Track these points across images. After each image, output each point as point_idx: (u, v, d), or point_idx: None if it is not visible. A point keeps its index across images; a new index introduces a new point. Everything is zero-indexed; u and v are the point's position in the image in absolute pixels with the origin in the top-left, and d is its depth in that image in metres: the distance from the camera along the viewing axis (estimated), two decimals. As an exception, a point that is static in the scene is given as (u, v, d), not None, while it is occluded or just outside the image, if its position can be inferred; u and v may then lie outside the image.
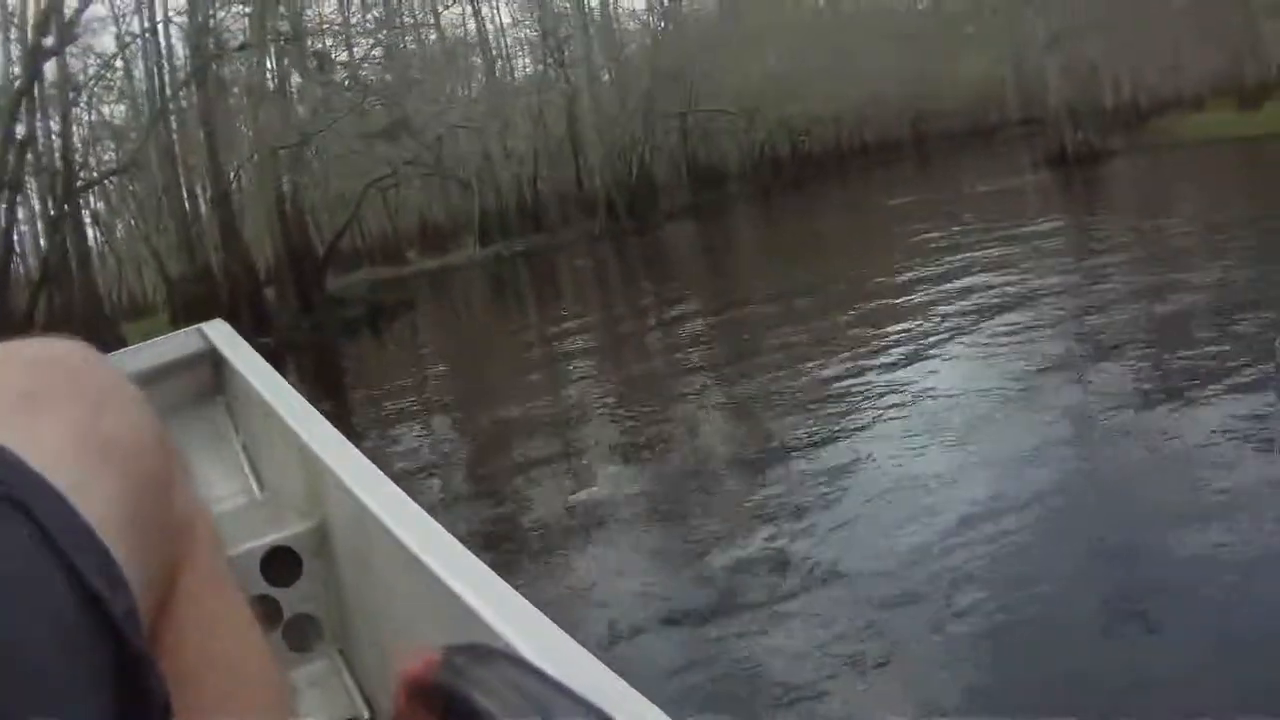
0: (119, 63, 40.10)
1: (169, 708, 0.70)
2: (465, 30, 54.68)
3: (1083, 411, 9.26)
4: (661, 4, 61.56)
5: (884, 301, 16.26)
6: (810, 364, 12.42)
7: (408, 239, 51.62)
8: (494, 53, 55.96)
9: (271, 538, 2.17)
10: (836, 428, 9.72)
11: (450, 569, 1.39)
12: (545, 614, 1.22)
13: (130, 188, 42.47)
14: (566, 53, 52.27)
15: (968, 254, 19.49)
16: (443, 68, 47.80)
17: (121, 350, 3.29)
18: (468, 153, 47.11)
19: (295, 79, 38.78)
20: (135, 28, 38.48)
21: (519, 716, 0.78)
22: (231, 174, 37.33)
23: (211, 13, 34.98)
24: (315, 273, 33.31)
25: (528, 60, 57.85)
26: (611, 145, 51.28)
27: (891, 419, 9.70)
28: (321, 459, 2.02)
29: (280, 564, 2.16)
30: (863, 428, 9.69)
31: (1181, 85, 58.15)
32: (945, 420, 9.38)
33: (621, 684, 1.05)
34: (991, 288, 15.54)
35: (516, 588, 1.32)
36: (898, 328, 13.82)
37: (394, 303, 31.91)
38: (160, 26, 36.82)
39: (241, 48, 34.97)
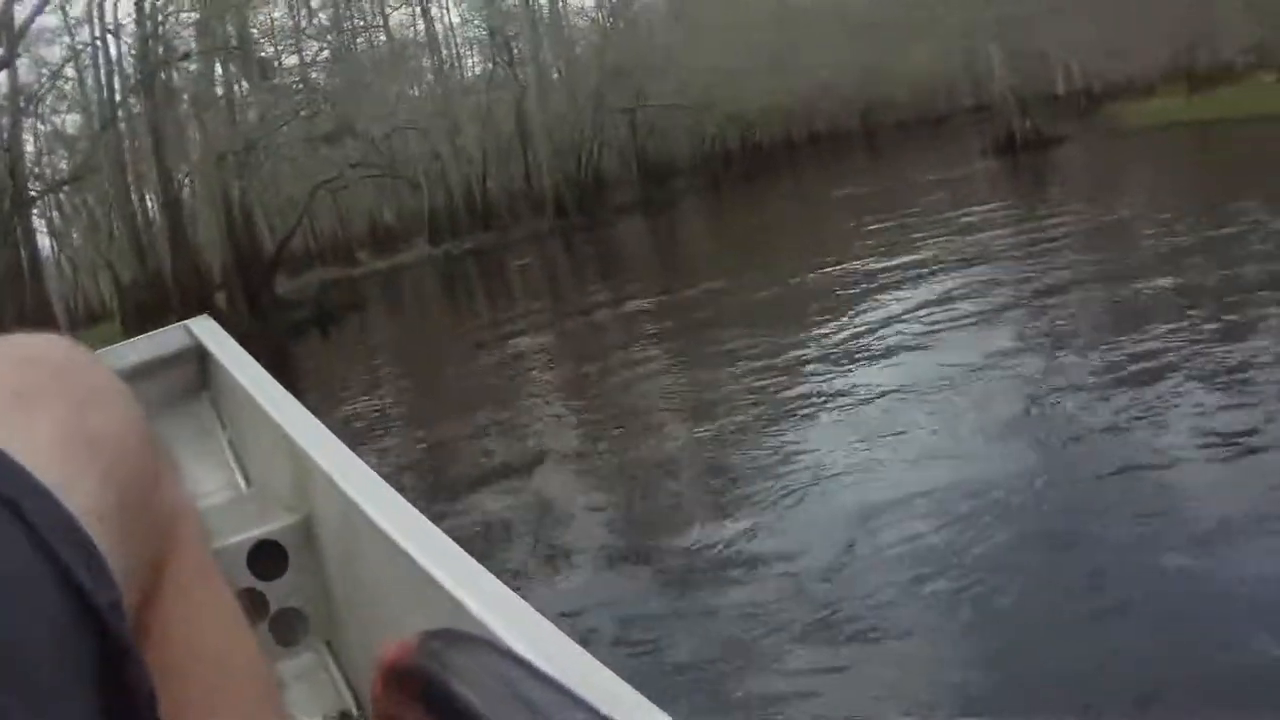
0: (72, 72, 40.35)
1: (155, 701, 0.72)
2: (415, 31, 54.93)
3: (1016, 401, 9.35)
4: (610, 0, 61.93)
5: (819, 297, 16.60)
6: (751, 363, 12.50)
7: (359, 240, 51.94)
8: (444, 53, 56.15)
9: (258, 531, 2.19)
10: (776, 424, 9.97)
11: (436, 560, 1.41)
12: (529, 603, 1.25)
13: (81, 197, 42.69)
14: (515, 51, 52.58)
15: (904, 244, 20.04)
16: (391, 69, 47.86)
17: (108, 347, 3.29)
18: (418, 153, 47.44)
19: (244, 85, 39.14)
20: (87, 37, 38.77)
21: (495, 699, 0.82)
22: (182, 180, 37.70)
23: (162, 20, 35.37)
24: (264, 276, 33.77)
25: (477, 59, 58.16)
26: (560, 142, 51.71)
27: (821, 414, 9.97)
28: (307, 453, 2.06)
29: (266, 558, 2.18)
30: (800, 419, 10.02)
31: (1133, 71, 58.53)
32: (869, 415, 9.59)
33: (603, 670, 1.07)
34: (924, 279, 15.95)
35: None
36: (832, 323, 14.08)
37: (343, 304, 32.32)
38: (110, 35, 37.06)
39: (185, 57, 35.24)
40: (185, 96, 37.35)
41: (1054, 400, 9.15)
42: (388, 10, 52.81)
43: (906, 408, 9.61)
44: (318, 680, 2.11)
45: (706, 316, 17.00)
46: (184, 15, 36.61)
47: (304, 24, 44.97)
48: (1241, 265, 13.13)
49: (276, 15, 45.51)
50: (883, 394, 10.20)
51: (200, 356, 3.27)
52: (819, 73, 66.21)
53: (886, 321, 13.40)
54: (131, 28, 36.08)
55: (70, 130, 42.33)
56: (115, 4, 37.81)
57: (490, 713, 0.80)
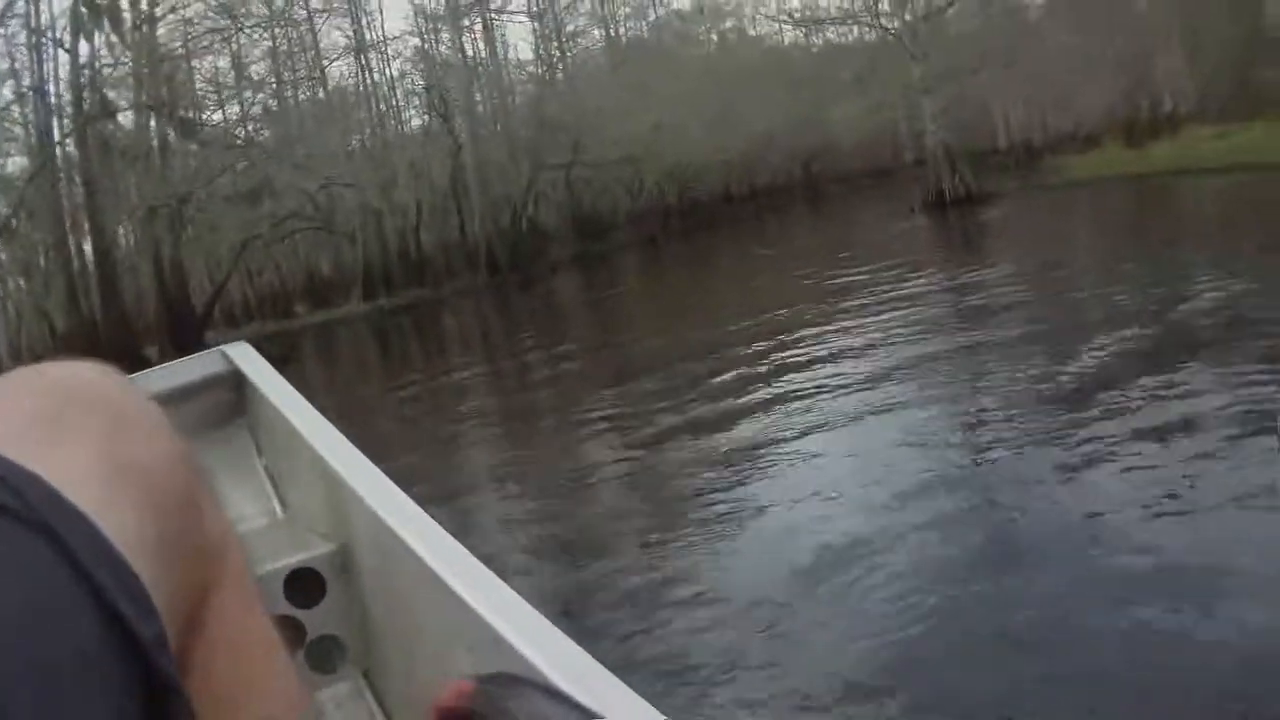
0: (19, 115, 40.82)
1: None
2: (358, 82, 55.72)
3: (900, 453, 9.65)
4: (549, 55, 63.10)
5: (735, 353, 16.84)
6: (673, 439, 12.12)
7: (298, 292, 51.96)
8: (382, 105, 56.89)
9: (295, 559, 2.20)
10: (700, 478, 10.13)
11: (474, 592, 1.41)
12: (572, 639, 1.24)
13: (19, 244, 43.08)
14: (451, 104, 53.08)
15: (812, 306, 20.57)
16: (327, 122, 48.98)
17: (144, 372, 3.23)
18: (355, 205, 47.82)
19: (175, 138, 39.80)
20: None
21: None
22: (120, 231, 38.31)
23: (95, 72, 36.08)
24: (195, 329, 34.32)
25: (416, 112, 58.61)
26: (495, 196, 52.24)
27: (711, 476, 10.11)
28: (345, 480, 2.06)
29: (303, 585, 2.19)
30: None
31: (1075, 123, 58.91)
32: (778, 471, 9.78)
33: (650, 710, 1.06)
34: (822, 342, 16.30)
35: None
36: (743, 381, 14.38)
37: (274, 357, 32.73)
38: (50, 85, 37.72)
39: (111, 114, 35.89)
40: (118, 150, 37.96)
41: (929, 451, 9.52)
42: (325, 63, 53.46)
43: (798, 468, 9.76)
44: (354, 710, 2.13)
45: (619, 370, 17.61)
46: (118, 69, 37.30)
47: (243, 75, 45.76)
48: (1132, 325, 13.50)
49: (223, 65, 46.67)
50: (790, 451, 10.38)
51: (236, 382, 3.24)
52: (759, 126, 66.59)
53: (800, 383, 13.68)
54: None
55: (13, 171, 42.79)
56: (54, 53, 38.33)
57: None
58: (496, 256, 49.31)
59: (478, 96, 56.50)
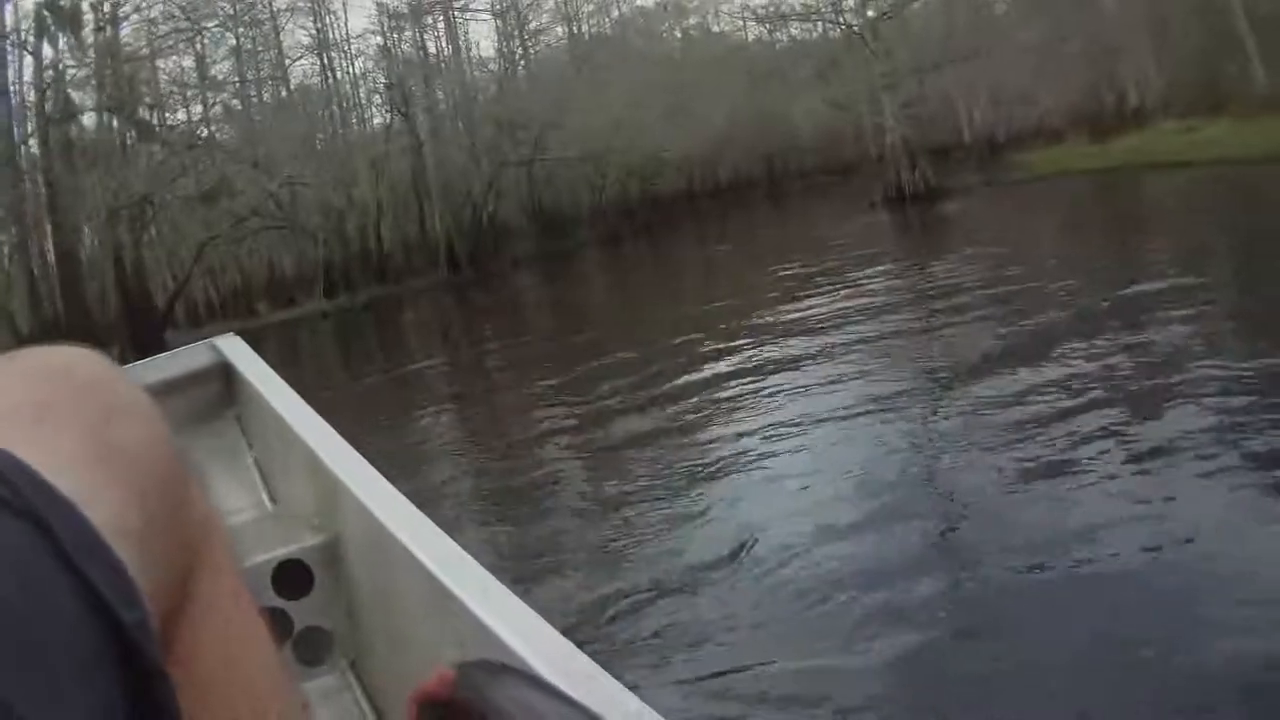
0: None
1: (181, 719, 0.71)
2: (321, 81, 55.95)
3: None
4: (511, 51, 63.62)
5: (681, 353, 16.98)
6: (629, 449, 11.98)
7: (261, 291, 51.69)
8: (346, 103, 57.07)
9: (283, 550, 2.20)
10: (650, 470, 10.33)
11: (462, 583, 1.41)
12: (555, 628, 1.24)
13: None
14: (413, 102, 53.25)
15: (760, 301, 21.52)
16: (289, 121, 49.28)
17: (134, 364, 3.25)
18: (317, 204, 48.02)
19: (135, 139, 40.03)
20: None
21: None
22: (85, 231, 38.57)
23: (61, 70, 36.36)
24: (155, 329, 34.67)
25: (375, 111, 58.79)
26: (456, 194, 52.58)
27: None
28: (334, 472, 2.06)
29: (291, 577, 2.19)
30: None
31: (1040, 118, 59.91)
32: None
33: (635, 701, 1.06)
34: (763, 333, 17.03)
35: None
36: (683, 376, 14.67)
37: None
38: (14, 87, 37.93)
39: (71, 116, 36.12)
40: (79, 151, 38.20)
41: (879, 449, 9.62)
42: (288, 61, 53.88)
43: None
44: (341, 701, 2.12)
45: (568, 363, 18.05)
46: (81, 71, 37.60)
47: (205, 75, 45.98)
48: (1071, 324, 13.73)
49: (188, 64, 47.17)
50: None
51: (226, 373, 3.28)
52: (722, 123, 67.41)
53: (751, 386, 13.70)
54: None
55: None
56: (19, 56, 38.60)
57: None
58: (457, 253, 49.59)
59: (440, 94, 56.76)
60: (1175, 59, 51.24)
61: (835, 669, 5.81)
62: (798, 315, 18.04)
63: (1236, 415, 8.69)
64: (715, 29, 79.58)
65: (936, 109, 63.54)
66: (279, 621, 2.11)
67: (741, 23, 77.10)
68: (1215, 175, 31.31)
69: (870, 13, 52.11)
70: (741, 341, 16.57)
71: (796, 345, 15.27)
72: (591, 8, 73.16)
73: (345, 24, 64.49)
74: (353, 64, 57.69)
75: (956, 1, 64.61)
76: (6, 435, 0.73)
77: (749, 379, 13.79)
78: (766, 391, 12.89)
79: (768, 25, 71.06)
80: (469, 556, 1.50)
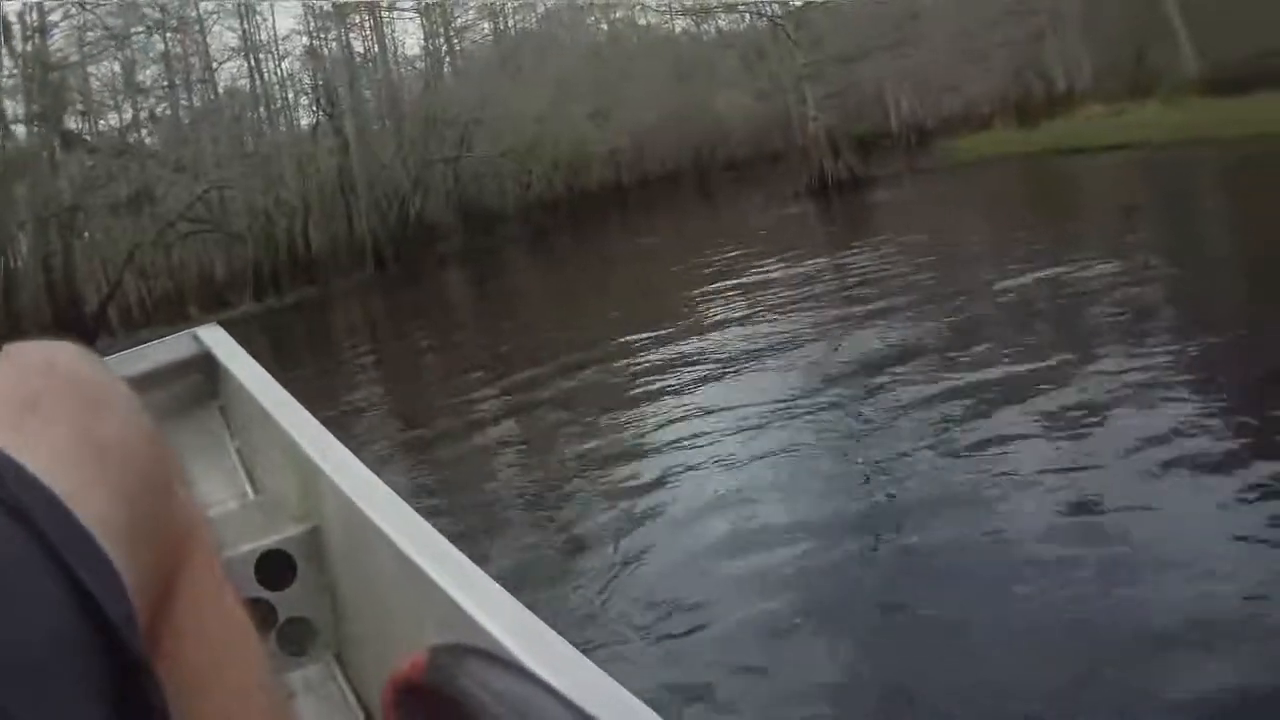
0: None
1: (166, 713, 0.72)
2: (249, 83, 55.84)
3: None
4: (436, 49, 63.78)
5: (584, 350, 17.28)
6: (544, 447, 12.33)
7: (192, 294, 50.37)
8: (275, 105, 57.05)
9: (266, 541, 2.20)
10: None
11: (444, 572, 1.41)
12: (538, 615, 1.25)
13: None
14: (339, 102, 53.42)
15: (675, 291, 22.52)
16: (217, 125, 49.76)
17: (116, 355, 3.19)
18: (246, 206, 48.31)
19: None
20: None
21: (505, 715, 0.85)
22: (19, 239, 39.07)
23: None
24: (86, 338, 35.05)
25: (303, 112, 58.77)
26: (382, 193, 52.86)
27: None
28: (315, 462, 2.06)
29: (274, 567, 2.19)
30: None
31: (968, 105, 60.52)
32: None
33: (612, 684, 1.06)
34: (672, 323, 17.80)
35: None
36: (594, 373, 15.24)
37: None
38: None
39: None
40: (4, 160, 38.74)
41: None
42: (214, 64, 53.80)
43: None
44: (325, 691, 2.12)
45: (482, 357, 19.00)
46: (8, 79, 38.18)
47: (132, 81, 46.46)
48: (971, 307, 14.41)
49: (117, 70, 47.22)
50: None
51: (208, 364, 3.29)
52: (649, 115, 67.73)
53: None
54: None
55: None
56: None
57: None
58: (383, 252, 50.08)
59: (366, 94, 57.21)
60: (1105, 43, 51.78)
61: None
62: (710, 309, 18.81)
63: (1144, 390, 9.14)
64: (642, 22, 79.58)
65: (865, 97, 64.82)
66: (263, 612, 2.13)
67: (669, 15, 77.22)
68: (1138, 158, 32.07)
69: (794, 3, 53.32)
70: (652, 334, 17.20)
71: (707, 339, 15.89)
72: (518, 3, 73.36)
73: (273, 25, 64.38)
74: (280, 65, 57.74)
75: None
76: None
77: (658, 366, 14.52)
78: (673, 382, 13.48)
79: (695, 17, 72.29)
80: (451, 545, 1.52)
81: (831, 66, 53.20)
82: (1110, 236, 19.02)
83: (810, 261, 22.57)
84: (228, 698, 0.92)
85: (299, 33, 56.59)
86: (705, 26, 76.96)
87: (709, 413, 11.43)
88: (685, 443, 10.41)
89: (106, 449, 0.79)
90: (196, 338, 3.35)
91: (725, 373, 13.38)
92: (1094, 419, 8.78)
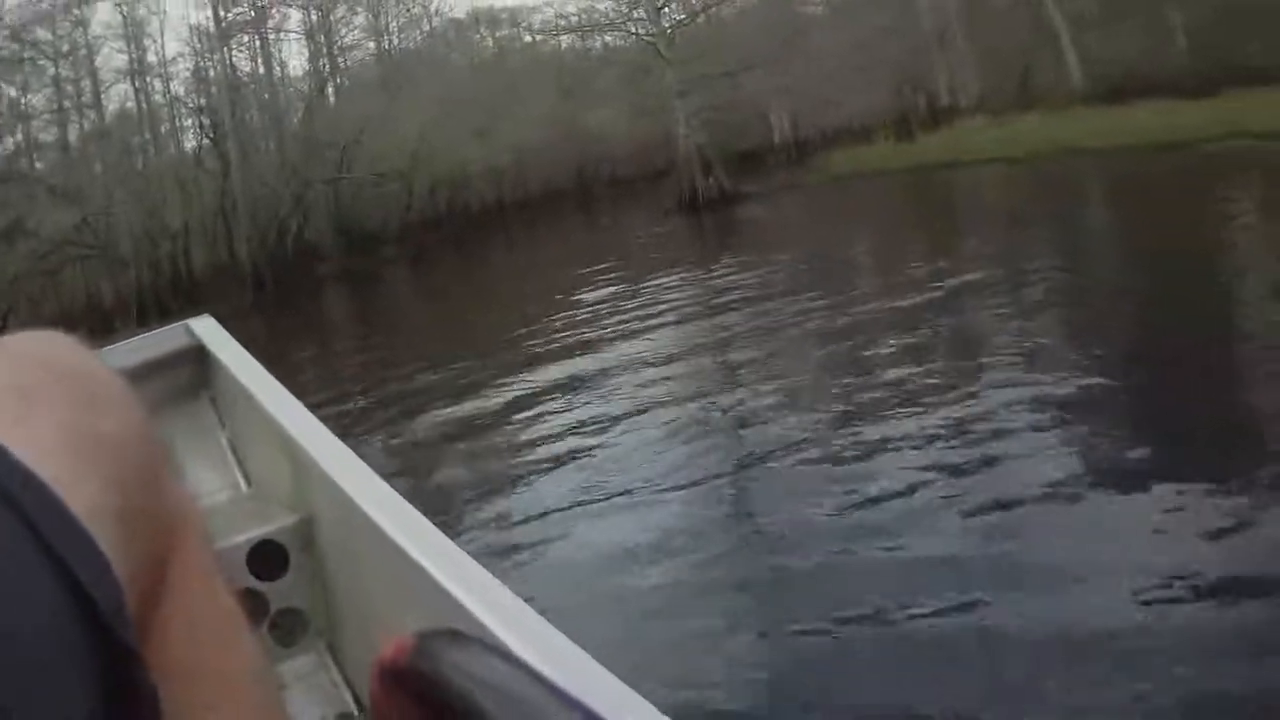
0: None
1: (158, 703, 0.72)
2: (137, 106, 56.09)
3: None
4: (319, 70, 64.19)
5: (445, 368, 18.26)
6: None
7: (79, 321, 47.95)
8: (164, 127, 57.38)
9: (257, 532, 2.22)
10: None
11: (435, 561, 1.42)
12: (528, 604, 1.26)
13: None
14: (222, 125, 53.78)
15: (537, 306, 24.05)
16: (104, 149, 50.43)
17: (108, 347, 3.04)
18: (133, 230, 49.23)
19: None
20: None
21: (491, 699, 0.85)
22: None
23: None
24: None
25: (188, 135, 59.31)
26: (264, 216, 53.49)
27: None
28: (307, 453, 2.07)
29: (266, 558, 2.21)
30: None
31: (851, 119, 61.42)
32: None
33: (600, 669, 1.08)
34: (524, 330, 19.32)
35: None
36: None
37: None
38: None
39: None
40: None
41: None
42: (103, 88, 54.11)
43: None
44: (317, 681, 2.14)
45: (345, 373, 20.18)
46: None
47: (17, 106, 47.43)
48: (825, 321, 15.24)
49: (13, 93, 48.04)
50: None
51: (200, 356, 3.28)
52: (532, 133, 68.13)
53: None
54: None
55: None
56: None
57: (486, 712, 0.85)
58: (263, 275, 50.64)
59: (250, 115, 57.55)
60: (993, 57, 53.21)
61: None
62: (569, 329, 19.76)
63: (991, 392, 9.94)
64: (527, 39, 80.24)
65: (748, 115, 65.41)
66: (254, 603, 2.16)
67: (554, 33, 76.09)
68: (1015, 170, 34.09)
69: (666, 22, 54.28)
70: (514, 352, 18.30)
71: (563, 359, 16.70)
72: (401, 22, 73.85)
73: (162, 48, 64.36)
74: (168, 87, 57.90)
75: (770, 5, 65.94)
76: None
77: (509, 382, 15.56)
78: (524, 395, 14.41)
79: (577, 35, 72.15)
80: (442, 534, 1.53)
81: (717, 82, 54.36)
82: (963, 248, 20.12)
83: (658, 280, 23.74)
84: (219, 687, 0.95)
85: (184, 55, 57.13)
86: (590, 43, 77.76)
87: (552, 421, 12.48)
88: (530, 450, 11.37)
89: (98, 439, 0.81)
90: (188, 329, 3.40)
91: (564, 392, 14.21)
92: (942, 429, 9.32)
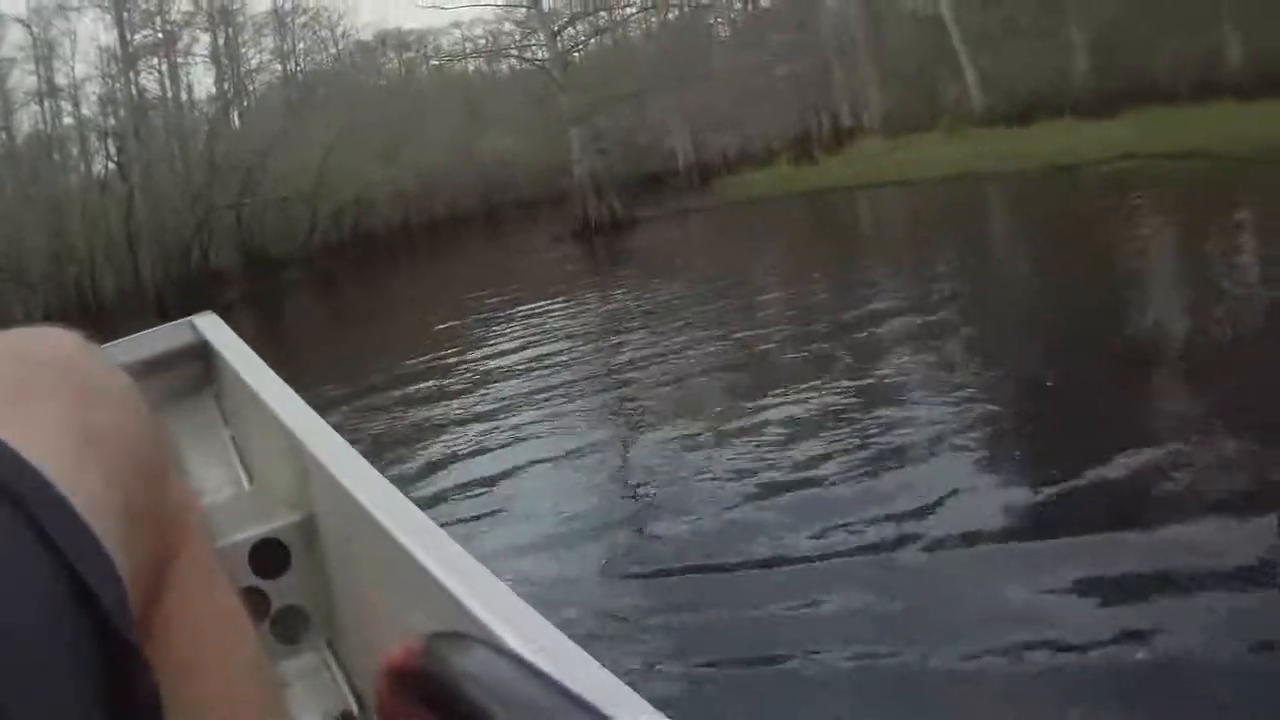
0: None
1: (159, 700, 0.72)
2: (46, 128, 56.66)
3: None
4: (224, 92, 65.28)
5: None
6: None
7: None
8: (75, 150, 57.94)
9: (260, 529, 2.24)
10: None
11: (438, 560, 1.43)
12: (530, 604, 1.27)
13: None
14: (128, 148, 54.32)
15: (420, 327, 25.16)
16: (9, 172, 51.87)
17: (113, 342, 3.20)
18: (32, 254, 49.82)
19: None
20: None
21: (499, 703, 0.85)
22: None
23: None
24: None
25: (96, 158, 59.18)
26: (169, 240, 54.04)
27: None
28: (310, 451, 2.10)
29: (268, 556, 2.23)
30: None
31: (752, 142, 62.46)
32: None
33: (604, 672, 1.08)
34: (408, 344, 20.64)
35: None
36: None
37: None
38: None
39: None
40: None
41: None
42: (12, 108, 55.03)
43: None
44: (319, 680, 2.16)
45: None
46: None
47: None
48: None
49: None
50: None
51: (204, 353, 3.35)
52: (437, 156, 69.75)
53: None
54: None
55: None
56: None
57: (496, 717, 0.84)
58: (167, 300, 49.51)
59: (156, 139, 58.12)
60: (896, 78, 54.64)
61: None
62: (456, 355, 20.59)
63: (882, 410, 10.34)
64: (434, 62, 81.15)
65: (650, 139, 66.93)
66: (256, 601, 2.18)
67: (461, 56, 78.46)
68: (909, 193, 35.37)
69: (560, 47, 55.71)
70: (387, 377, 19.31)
71: (452, 382, 17.47)
72: (307, 45, 74.47)
73: (73, 70, 65.13)
74: (78, 109, 58.27)
75: (676, 28, 67.84)
76: None
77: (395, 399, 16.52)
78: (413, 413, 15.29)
79: (485, 58, 74.58)
80: (444, 533, 1.54)
81: (619, 106, 55.79)
82: (848, 271, 20.87)
83: (525, 307, 24.88)
84: (219, 685, 0.95)
85: (91, 78, 57.61)
86: (497, 67, 78.90)
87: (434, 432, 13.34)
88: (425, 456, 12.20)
89: (102, 437, 0.82)
90: (193, 326, 3.45)
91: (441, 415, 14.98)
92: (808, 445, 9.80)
